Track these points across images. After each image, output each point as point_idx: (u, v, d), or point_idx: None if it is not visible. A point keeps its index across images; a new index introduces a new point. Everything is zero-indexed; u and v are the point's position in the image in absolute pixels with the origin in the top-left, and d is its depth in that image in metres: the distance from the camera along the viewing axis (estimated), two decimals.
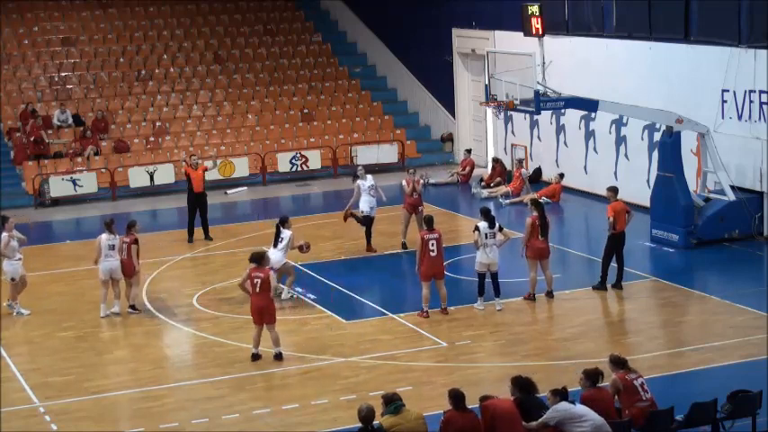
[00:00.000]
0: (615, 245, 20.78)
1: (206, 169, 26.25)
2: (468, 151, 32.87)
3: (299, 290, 21.62)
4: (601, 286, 20.86)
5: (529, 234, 20.20)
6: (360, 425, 12.48)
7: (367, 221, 24.05)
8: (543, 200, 28.64)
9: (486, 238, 19.64)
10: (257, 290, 17.38)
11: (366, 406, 12.53)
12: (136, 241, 20.54)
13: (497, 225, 19.83)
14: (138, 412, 16.12)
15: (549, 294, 20.47)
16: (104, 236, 20.47)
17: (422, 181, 25.43)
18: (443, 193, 30.93)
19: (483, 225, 19.66)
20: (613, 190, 21.05)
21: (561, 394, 12.96)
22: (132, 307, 20.56)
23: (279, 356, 17.69)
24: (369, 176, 24.14)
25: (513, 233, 20.84)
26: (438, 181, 31.94)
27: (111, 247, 20.33)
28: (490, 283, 19.88)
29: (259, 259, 17.62)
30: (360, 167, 24.69)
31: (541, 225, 20.18)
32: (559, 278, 20.72)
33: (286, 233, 20.81)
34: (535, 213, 20.29)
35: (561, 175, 29.30)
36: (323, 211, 29.51)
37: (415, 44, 36.75)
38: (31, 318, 20.79)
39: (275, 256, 20.52)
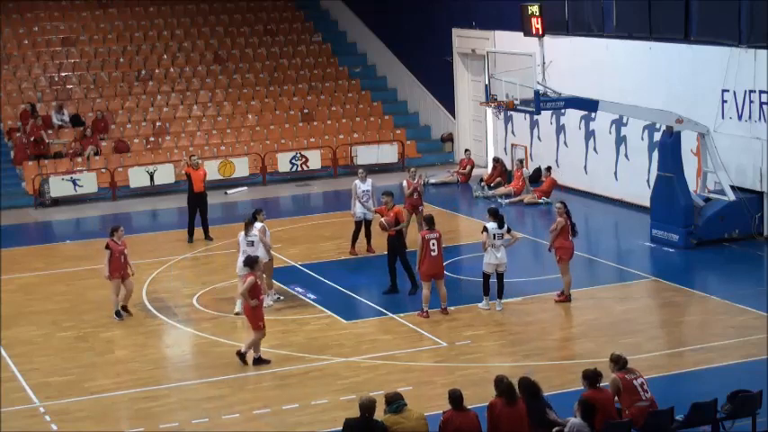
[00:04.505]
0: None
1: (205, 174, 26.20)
2: (467, 151, 32.91)
3: (299, 289, 21.63)
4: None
5: (558, 235, 20.01)
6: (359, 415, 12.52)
7: (358, 225, 24.04)
8: (543, 200, 28.74)
9: (495, 238, 19.62)
10: None
11: (366, 397, 12.58)
12: (107, 246, 20.25)
13: (506, 226, 19.82)
14: (138, 412, 16.12)
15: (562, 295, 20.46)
16: (242, 234, 20.42)
17: (422, 181, 25.42)
18: (443, 193, 30.92)
19: (491, 226, 19.63)
20: (389, 194, 21.59)
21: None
22: (124, 309, 20.45)
23: (256, 361, 17.63)
24: (369, 181, 23.97)
25: (518, 234, 20.82)
26: (438, 180, 31.93)
27: (250, 244, 20.24)
28: (494, 284, 19.87)
29: (249, 264, 17.75)
30: (361, 170, 24.57)
31: (572, 225, 20.14)
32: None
33: (256, 225, 20.48)
34: (565, 215, 20.17)
35: (549, 169, 29.34)
36: (323, 211, 29.54)
37: (415, 44, 36.75)
38: (30, 318, 20.79)
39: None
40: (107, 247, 20.20)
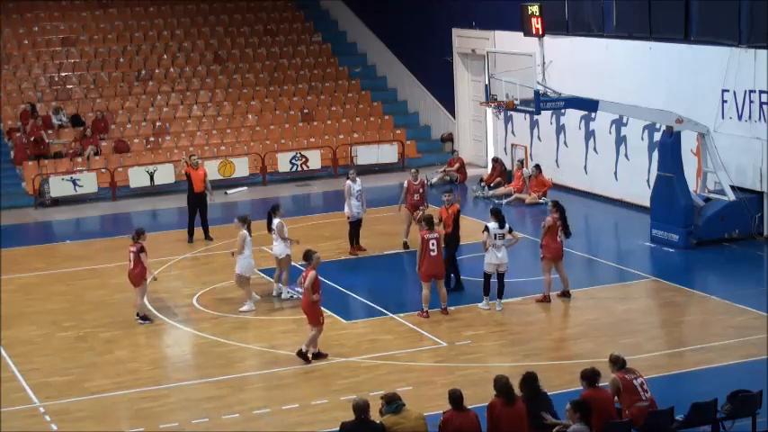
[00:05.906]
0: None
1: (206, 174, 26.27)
2: (455, 152, 32.97)
3: (299, 290, 21.60)
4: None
5: (545, 234, 20.06)
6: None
7: (355, 225, 24.09)
8: (544, 200, 28.73)
9: (496, 238, 19.60)
10: None
11: (359, 398, 12.62)
12: (142, 249, 19.89)
13: (507, 226, 19.80)
14: (138, 412, 16.12)
15: (567, 294, 20.39)
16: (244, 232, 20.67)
17: (426, 182, 25.46)
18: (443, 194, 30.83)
19: (492, 225, 19.62)
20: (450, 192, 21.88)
21: (581, 409, 12.83)
22: (143, 317, 20.12)
23: (319, 355, 17.77)
24: (359, 180, 24.13)
25: (519, 234, 20.80)
26: (436, 180, 31.82)
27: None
28: (494, 284, 19.86)
29: (306, 258, 17.83)
30: (351, 171, 24.71)
31: (564, 226, 20.11)
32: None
33: (275, 221, 21.01)
34: (556, 215, 20.14)
35: (537, 167, 29.32)
36: (323, 211, 29.52)
37: (415, 44, 36.75)
38: (30, 318, 20.78)
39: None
40: (142, 250, 19.82)
